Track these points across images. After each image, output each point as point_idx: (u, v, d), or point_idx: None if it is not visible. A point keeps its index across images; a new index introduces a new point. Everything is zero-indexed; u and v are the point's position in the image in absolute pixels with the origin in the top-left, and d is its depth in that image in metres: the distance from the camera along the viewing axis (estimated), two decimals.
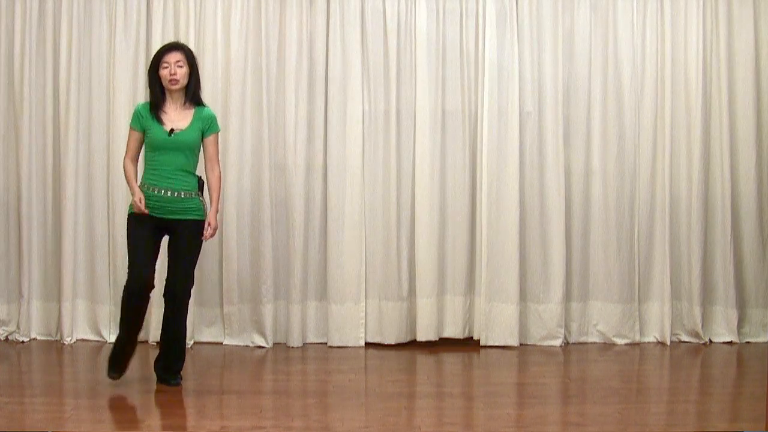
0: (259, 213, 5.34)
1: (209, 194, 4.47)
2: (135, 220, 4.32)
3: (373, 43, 5.39)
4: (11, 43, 5.39)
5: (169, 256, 4.42)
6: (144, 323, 5.28)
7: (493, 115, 5.39)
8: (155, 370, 4.52)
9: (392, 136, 5.42)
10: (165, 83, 4.34)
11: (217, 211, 4.46)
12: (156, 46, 5.14)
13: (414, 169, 5.42)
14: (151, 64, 4.41)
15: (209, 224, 4.40)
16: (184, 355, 4.52)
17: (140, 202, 4.24)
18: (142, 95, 5.34)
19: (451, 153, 5.46)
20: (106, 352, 5.22)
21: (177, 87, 4.35)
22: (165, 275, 4.43)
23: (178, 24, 5.32)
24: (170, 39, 5.03)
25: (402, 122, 5.43)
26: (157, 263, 4.40)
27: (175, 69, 4.32)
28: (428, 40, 5.39)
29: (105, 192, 5.41)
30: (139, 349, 5.23)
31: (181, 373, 4.50)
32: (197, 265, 4.49)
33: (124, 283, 5.28)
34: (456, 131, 5.45)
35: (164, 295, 4.42)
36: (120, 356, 4.42)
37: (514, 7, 5.40)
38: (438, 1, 5.42)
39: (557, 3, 5.43)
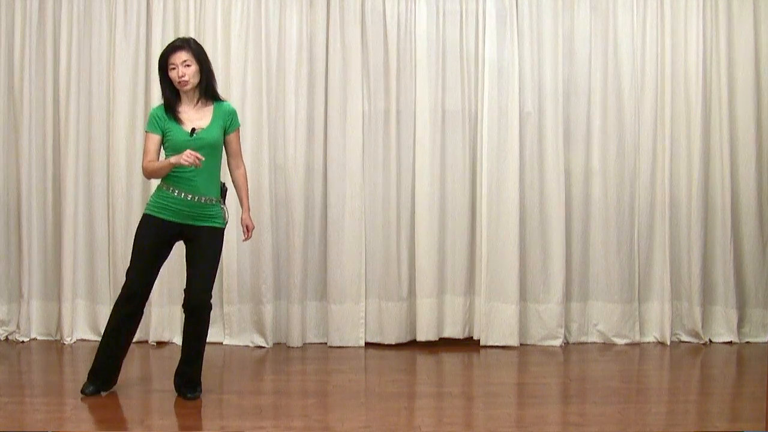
0: (259, 213, 5.34)
1: (238, 193, 4.36)
2: (148, 223, 4.16)
3: (373, 43, 5.39)
4: (11, 43, 5.39)
5: (187, 267, 4.22)
6: (143, 323, 5.34)
7: (493, 115, 5.39)
8: (174, 383, 4.34)
9: (392, 136, 5.42)
10: (176, 85, 4.16)
11: (249, 210, 4.37)
12: (156, 46, 5.16)
13: (414, 169, 5.42)
14: (159, 66, 4.21)
15: (246, 227, 4.31)
16: (201, 366, 4.33)
17: (189, 153, 3.95)
18: (142, 95, 5.36)
19: (451, 153, 5.46)
20: None
21: (188, 87, 4.15)
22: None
23: (178, 24, 5.32)
24: (170, 39, 4.96)
25: (402, 122, 5.43)
26: (161, 270, 4.29)
27: (183, 70, 4.12)
28: (428, 40, 5.39)
29: (105, 192, 5.42)
30: (139, 348, 5.24)
31: (201, 385, 4.34)
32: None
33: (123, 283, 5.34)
34: (456, 131, 5.45)
35: (183, 309, 4.25)
36: (103, 370, 4.25)
37: (514, 7, 5.40)
38: (438, 1, 5.42)
39: (557, 3, 5.44)
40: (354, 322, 5.42)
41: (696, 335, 5.52)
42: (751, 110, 5.50)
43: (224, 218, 4.25)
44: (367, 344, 5.43)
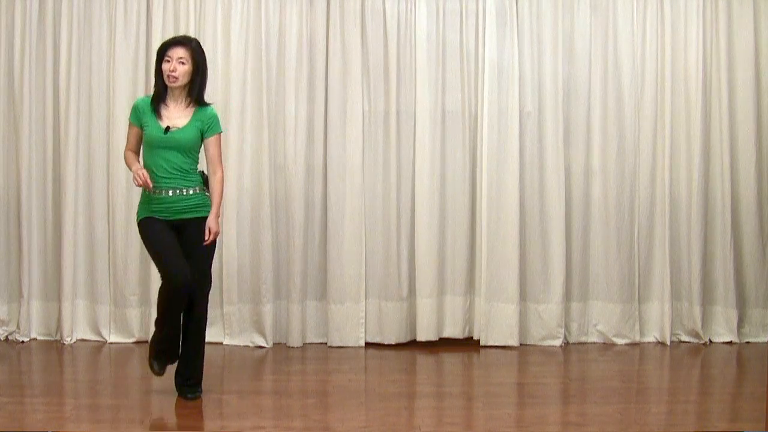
0: (259, 213, 5.34)
1: (210, 197, 4.27)
2: (147, 224, 4.14)
3: (373, 43, 5.39)
4: (11, 43, 5.38)
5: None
6: (143, 322, 5.35)
7: (493, 115, 5.39)
8: (175, 382, 4.29)
9: (392, 136, 5.42)
10: (164, 78, 4.12)
11: (217, 216, 4.20)
12: (156, 47, 5.13)
13: (414, 169, 5.42)
14: (156, 56, 4.18)
15: (209, 229, 4.14)
16: (203, 365, 4.31)
17: (143, 175, 4.00)
18: (142, 95, 5.34)
19: (451, 153, 5.45)
20: (106, 352, 5.24)
21: (176, 84, 4.11)
22: None
23: (178, 24, 5.32)
24: None
25: (402, 122, 5.43)
26: None
27: (175, 65, 4.09)
28: (428, 40, 5.39)
29: (105, 192, 5.41)
30: (139, 348, 5.24)
31: (202, 385, 4.33)
32: None
33: (125, 282, 5.35)
34: (456, 131, 5.45)
35: None
36: (173, 348, 4.22)
37: (514, 7, 5.40)
38: (438, 1, 5.42)
39: (557, 3, 5.43)
40: (354, 322, 5.41)
41: (696, 335, 5.52)
42: (751, 110, 5.50)
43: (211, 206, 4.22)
44: (367, 344, 5.43)
